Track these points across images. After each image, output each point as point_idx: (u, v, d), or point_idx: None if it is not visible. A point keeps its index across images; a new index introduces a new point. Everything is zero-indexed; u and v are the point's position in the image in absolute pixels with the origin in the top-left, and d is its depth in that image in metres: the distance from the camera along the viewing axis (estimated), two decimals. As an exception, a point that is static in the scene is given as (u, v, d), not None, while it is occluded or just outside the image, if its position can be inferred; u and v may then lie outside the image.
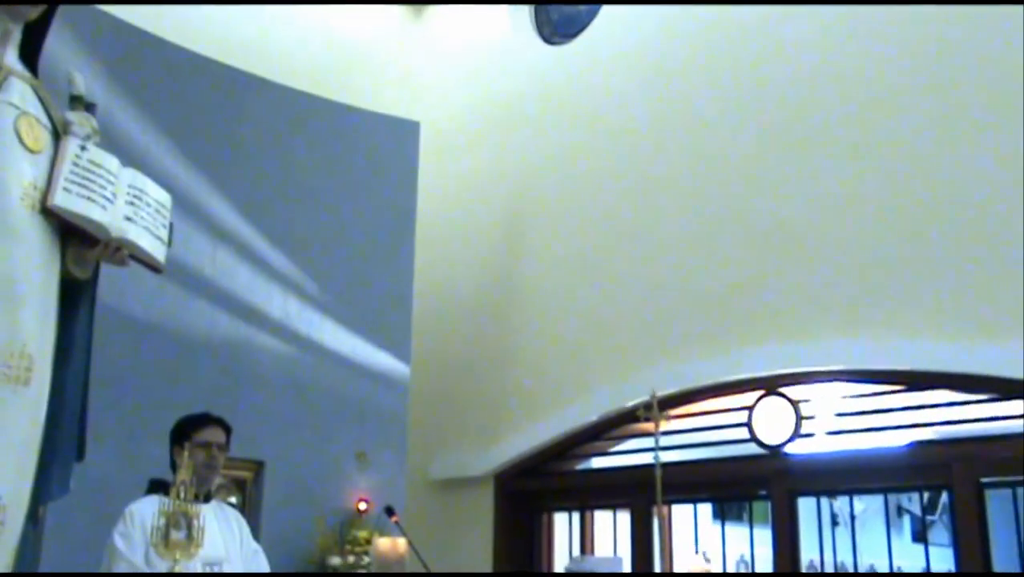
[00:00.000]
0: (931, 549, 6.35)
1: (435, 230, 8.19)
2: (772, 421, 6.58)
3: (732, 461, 6.91)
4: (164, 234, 2.76)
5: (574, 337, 7.67)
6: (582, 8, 8.34)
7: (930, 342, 5.94)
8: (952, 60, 6.17)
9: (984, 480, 5.86)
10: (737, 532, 7.34)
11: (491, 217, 8.44)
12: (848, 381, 6.41)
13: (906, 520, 10.68)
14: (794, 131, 6.84)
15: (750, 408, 6.69)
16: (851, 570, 6.56)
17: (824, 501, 6.69)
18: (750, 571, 6.87)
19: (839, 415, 6.46)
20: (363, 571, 5.37)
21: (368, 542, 5.89)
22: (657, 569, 6.18)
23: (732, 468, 6.90)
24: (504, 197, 8.41)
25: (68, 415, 2.57)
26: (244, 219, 6.37)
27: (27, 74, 2.61)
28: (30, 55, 2.67)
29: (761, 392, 6.67)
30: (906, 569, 9.40)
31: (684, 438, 6.97)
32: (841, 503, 7.42)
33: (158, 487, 3.67)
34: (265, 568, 3.97)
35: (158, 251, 2.74)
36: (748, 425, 6.68)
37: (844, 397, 6.48)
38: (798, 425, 6.49)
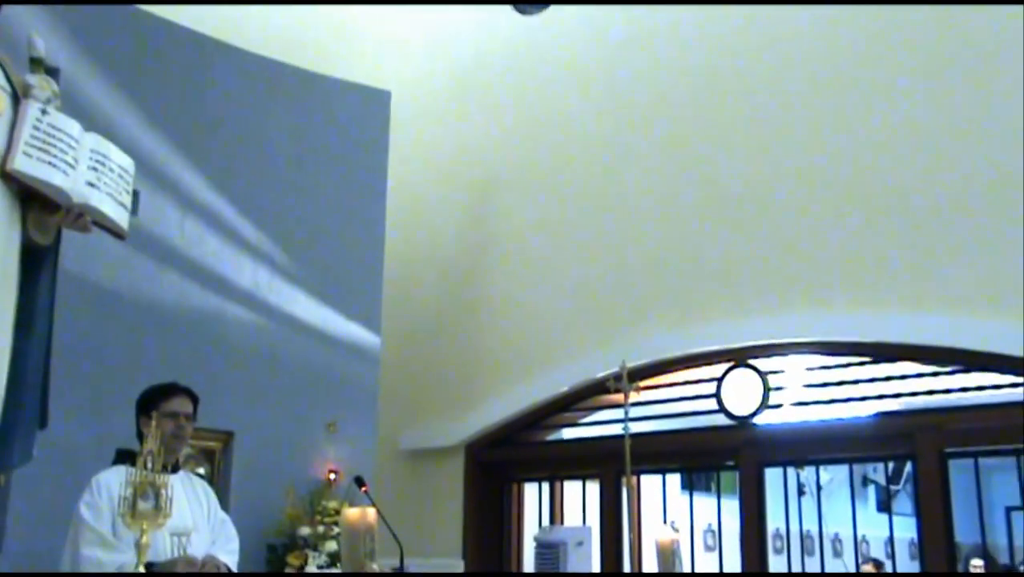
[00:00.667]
0: (895, 518, 6.45)
1: (406, 200, 8.14)
2: (741, 392, 6.65)
3: (701, 432, 6.97)
4: (128, 200, 2.71)
5: (544, 309, 7.68)
6: (555, -23, 8.27)
7: (896, 315, 6.01)
8: (928, 29, 6.20)
9: (947, 450, 5.95)
10: (705, 502, 7.42)
11: (462, 188, 8.41)
12: (816, 353, 6.47)
13: (871, 490, 10.84)
14: (764, 104, 6.85)
15: (719, 379, 6.75)
16: (816, 538, 6.65)
17: (791, 471, 6.77)
18: (716, 541, 6.95)
19: (806, 386, 6.53)
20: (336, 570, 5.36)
21: (338, 512, 5.87)
22: (625, 539, 6.23)
23: (701, 439, 6.96)
24: (475, 168, 8.38)
25: (30, 382, 2.54)
26: (213, 188, 6.29)
27: (-15, 37, 2.55)
28: (-14, 18, 2.60)
29: (730, 364, 6.73)
30: (869, 537, 9.57)
31: (654, 409, 7.02)
32: (808, 473, 7.51)
33: (125, 457, 3.64)
34: (233, 538, 3.96)
35: (121, 217, 2.69)
36: (717, 396, 6.73)
37: (811, 369, 6.54)
38: (766, 396, 6.56)
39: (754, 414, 6.59)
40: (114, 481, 3.49)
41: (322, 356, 6.64)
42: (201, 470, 5.78)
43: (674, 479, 7.54)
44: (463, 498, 7.83)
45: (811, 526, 6.71)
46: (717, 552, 6.90)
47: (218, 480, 5.97)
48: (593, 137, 7.66)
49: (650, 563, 4.71)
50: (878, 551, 9.44)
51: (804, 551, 6.69)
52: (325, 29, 8.38)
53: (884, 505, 8.89)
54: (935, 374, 6.02)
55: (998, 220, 5.81)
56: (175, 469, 3.79)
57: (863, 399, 6.28)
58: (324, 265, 6.78)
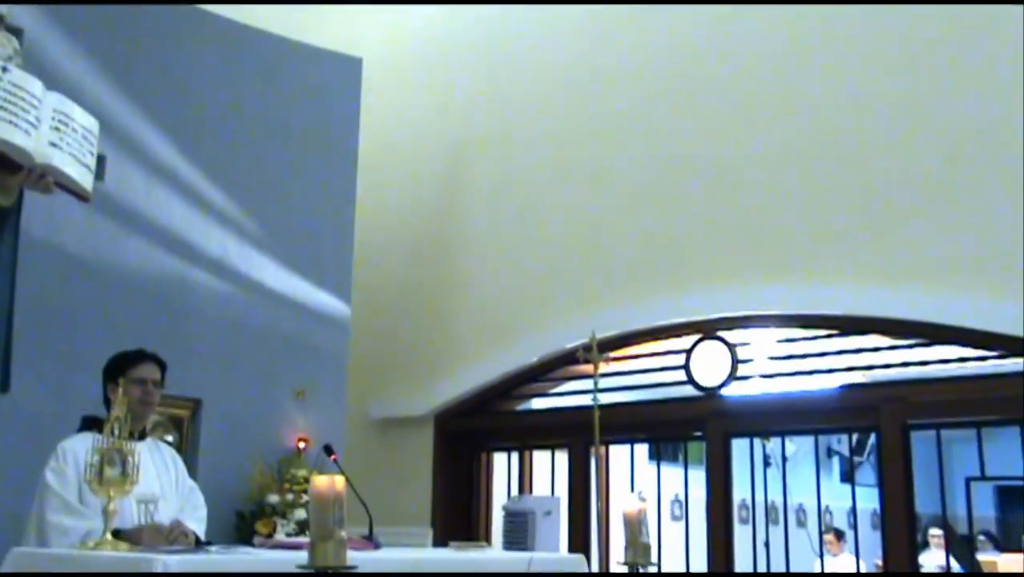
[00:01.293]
0: (858, 489, 6.55)
1: (377, 168, 8.09)
2: (709, 364, 6.70)
3: (669, 403, 7.04)
4: (91, 162, 2.67)
5: (515, 279, 7.68)
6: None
7: (863, 288, 6.07)
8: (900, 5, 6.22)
9: (910, 422, 6.05)
10: (672, 472, 7.49)
11: (434, 156, 8.37)
12: (784, 326, 6.53)
13: (835, 461, 11.00)
14: (729, 78, 6.87)
15: (688, 351, 6.80)
16: (780, 508, 6.74)
17: (757, 442, 6.85)
18: (683, 511, 7.03)
19: (774, 358, 6.60)
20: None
21: (307, 481, 5.89)
22: (593, 508, 6.29)
23: (669, 410, 7.02)
24: (447, 137, 8.33)
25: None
26: (180, 153, 6.22)
27: (-55, -5, 2.49)
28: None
29: (699, 336, 6.78)
30: (833, 508, 9.72)
31: (623, 380, 7.07)
32: (774, 444, 7.60)
33: (91, 424, 3.61)
34: (201, 506, 3.95)
35: (85, 179, 2.66)
36: (686, 368, 6.78)
37: (779, 341, 6.61)
38: (734, 368, 6.62)
39: (722, 386, 6.65)
40: (80, 448, 3.47)
41: (291, 324, 6.61)
42: (169, 437, 5.75)
43: (642, 449, 7.60)
44: (432, 467, 7.85)
45: (776, 496, 6.81)
46: (683, 521, 6.97)
47: (186, 448, 5.95)
48: (564, 108, 7.64)
49: (617, 532, 4.75)
50: (841, 521, 9.61)
51: (769, 521, 6.78)
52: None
53: (847, 476, 9.02)
54: (900, 347, 6.10)
55: (962, 194, 5.88)
56: (142, 436, 3.76)
57: (829, 371, 6.36)
58: (294, 233, 6.74)
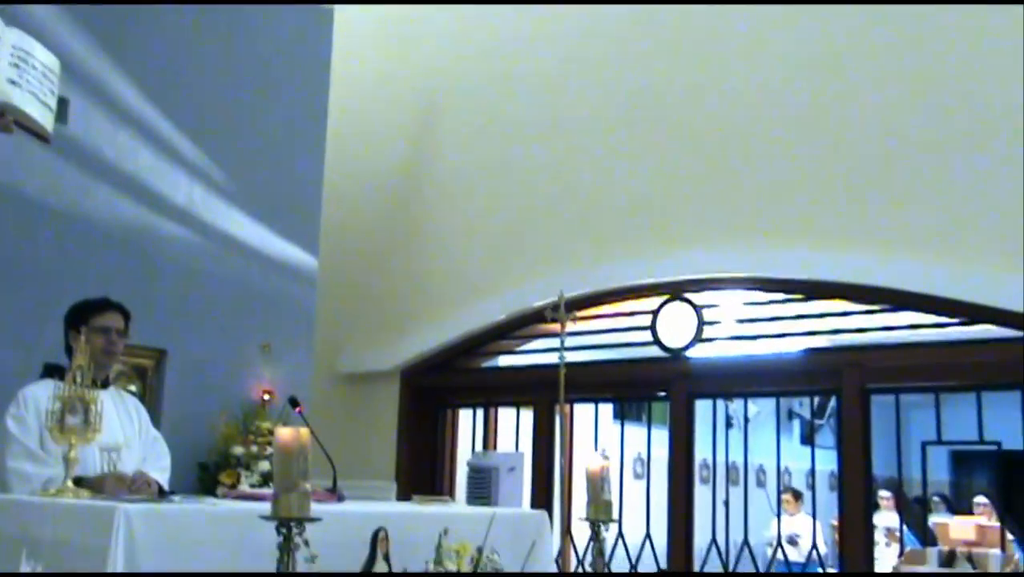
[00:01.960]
0: (817, 451, 6.66)
1: (348, 121, 8.02)
2: (675, 325, 6.75)
3: (634, 363, 7.09)
4: (52, 101, 2.62)
5: (483, 236, 7.68)
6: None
7: (829, 253, 6.13)
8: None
9: (870, 386, 6.14)
10: (636, 431, 7.57)
11: (405, 110, 8.30)
12: (751, 289, 6.58)
13: (796, 424, 11.17)
14: (702, 41, 6.85)
15: (655, 312, 6.84)
16: (741, 469, 6.84)
17: (720, 403, 6.93)
18: (645, 469, 7.11)
19: (740, 321, 6.65)
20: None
21: (271, 433, 5.88)
22: (557, 465, 6.33)
23: (634, 370, 7.08)
24: (419, 91, 8.26)
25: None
26: (148, 100, 6.11)
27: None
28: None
29: (666, 297, 6.81)
30: (792, 469, 9.87)
31: (589, 340, 7.10)
32: (737, 406, 7.70)
33: (53, 371, 3.58)
34: (165, 456, 3.94)
35: (46, 118, 2.60)
36: (652, 329, 6.83)
37: (745, 304, 6.66)
38: (700, 330, 6.67)
39: (688, 347, 6.71)
40: (42, 394, 3.45)
41: (258, 276, 6.57)
42: (132, 387, 5.71)
43: (606, 408, 7.67)
44: (398, 422, 7.88)
45: (737, 457, 6.90)
46: (645, 480, 7.07)
47: (150, 398, 5.91)
48: (535, 66, 7.59)
49: (580, 489, 4.80)
50: (799, 482, 9.77)
51: (729, 481, 6.88)
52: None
53: (807, 438, 9.17)
54: (863, 312, 6.17)
55: (927, 162, 5.93)
56: (105, 385, 3.74)
57: (794, 335, 6.42)
58: (262, 184, 6.67)
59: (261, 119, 6.70)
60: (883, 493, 8.69)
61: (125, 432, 3.78)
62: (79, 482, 3.24)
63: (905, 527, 6.93)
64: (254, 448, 6.05)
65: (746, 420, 6.71)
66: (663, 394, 6.98)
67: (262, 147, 6.69)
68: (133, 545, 2.63)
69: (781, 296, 6.46)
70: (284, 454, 2.63)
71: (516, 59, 7.68)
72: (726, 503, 6.74)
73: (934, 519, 7.54)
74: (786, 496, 9.05)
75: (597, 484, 3.85)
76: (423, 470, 7.82)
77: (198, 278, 6.26)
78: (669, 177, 6.85)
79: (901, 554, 6.27)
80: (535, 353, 7.44)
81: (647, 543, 6.82)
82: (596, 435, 7.26)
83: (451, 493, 7.55)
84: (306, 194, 6.93)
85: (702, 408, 6.85)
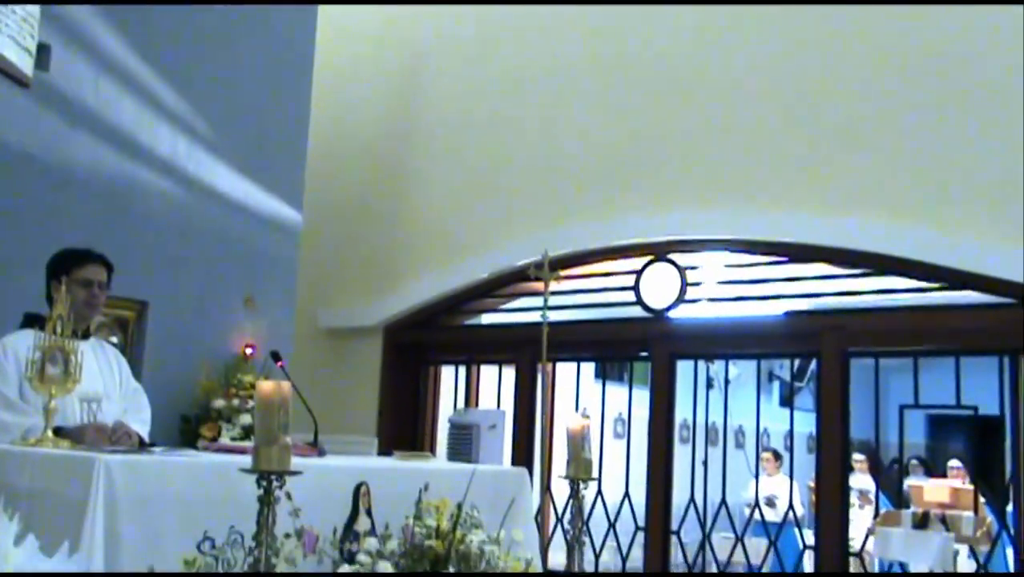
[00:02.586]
0: (796, 413, 6.71)
1: (333, 74, 7.94)
2: (658, 286, 6.76)
3: (617, 323, 7.11)
4: (32, 46, 2.58)
5: (469, 193, 7.65)
6: None
7: (812, 216, 6.14)
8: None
9: (850, 350, 6.18)
10: (617, 391, 7.62)
11: (391, 65, 8.23)
12: (733, 251, 6.60)
13: (776, 385, 11.26)
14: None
15: (638, 272, 6.85)
16: (720, 430, 6.90)
17: (701, 364, 6.97)
18: (625, 429, 7.17)
19: (722, 283, 6.67)
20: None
21: (253, 387, 5.89)
22: (538, 424, 6.37)
23: (616, 329, 7.10)
24: (405, 46, 8.19)
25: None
26: (131, 49, 6.02)
27: None
28: None
29: (650, 257, 6.82)
30: (771, 431, 9.97)
31: (572, 299, 7.11)
32: (717, 367, 7.74)
33: (33, 321, 3.56)
34: (145, 408, 3.93)
35: (24, 62, 2.56)
36: (635, 289, 6.84)
37: (728, 266, 6.68)
38: (683, 291, 6.69)
39: (670, 308, 6.73)
40: (22, 344, 3.43)
41: (242, 229, 6.53)
42: (114, 339, 5.70)
43: (588, 368, 7.70)
44: (380, 378, 7.90)
45: (716, 418, 6.96)
46: (625, 439, 7.12)
47: (131, 350, 5.90)
48: (522, 23, 7.52)
49: (560, 447, 4.84)
50: (778, 444, 9.87)
51: (708, 441, 6.95)
52: None
53: (787, 400, 9.25)
54: (844, 276, 6.20)
55: (910, 128, 5.93)
56: (86, 336, 3.72)
57: (775, 297, 6.46)
58: (246, 137, 6.62)
59: (246, 71, 6.63)
60: (857, 456, 8.79)
61: (105, 383, 3.76)
62: (59, 432, 3.24)
63: (879, 490, 7.03)
64: (235, 401, 6.06)
65: (726, 381, 6.74)
66: (644, 354, 7.02)
67: (248, 101, 6.62)
68: (113, 496, 2.62)
69: (764, 259, 6.48)
70: (265, 407, 2.62)
71: (503, 17, 7.61)
72: (705, 463, 6.80)
73: (909, 482, 7.64)
74: (766, 456, 9.14)
75: (577, 443, 3.87)
76: (404, 426, 7.85)
77: (181, 230, 6.22)
78: (655, 138, 6.84)
79: (876, 516, 6.36)
80: (518, 311, 7.46)
81: (626, 501, 6.89)
82: (577, 394, 7.29)
83: (432, 449, 7.59)
84: (291, 149, 6.88)
85: (683, 369, 6.90)
